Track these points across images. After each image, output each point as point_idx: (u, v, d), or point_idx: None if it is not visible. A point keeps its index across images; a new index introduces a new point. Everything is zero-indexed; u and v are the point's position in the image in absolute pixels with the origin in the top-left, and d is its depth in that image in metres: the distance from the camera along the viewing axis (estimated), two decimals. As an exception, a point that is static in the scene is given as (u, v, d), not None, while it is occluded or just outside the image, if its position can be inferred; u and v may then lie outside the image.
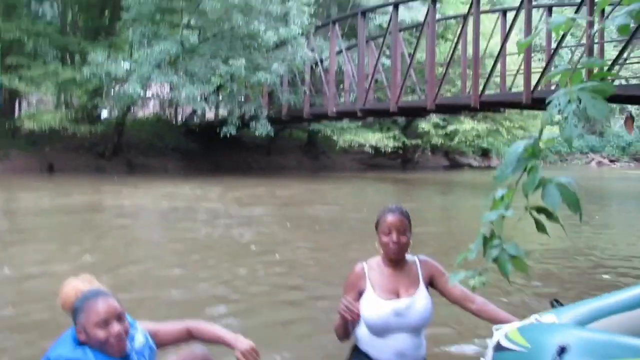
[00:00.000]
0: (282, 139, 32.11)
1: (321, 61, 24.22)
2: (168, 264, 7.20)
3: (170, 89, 24.05)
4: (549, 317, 2.44)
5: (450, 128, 32.49)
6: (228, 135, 22.68)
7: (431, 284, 2.94)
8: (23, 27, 22.58)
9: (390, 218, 2.84)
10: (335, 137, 29.64)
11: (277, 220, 11.67)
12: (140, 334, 2.35)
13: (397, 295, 2.84)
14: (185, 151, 27.03)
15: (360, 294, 2.87)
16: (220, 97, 25.87)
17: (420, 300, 2.85)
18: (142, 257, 7.75)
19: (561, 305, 2.70)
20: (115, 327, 2.14)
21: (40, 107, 29.33)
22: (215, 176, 22.15)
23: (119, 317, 2.18)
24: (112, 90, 24.12)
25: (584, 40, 19.93)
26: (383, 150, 31.54)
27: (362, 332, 2.88)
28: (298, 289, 5.97)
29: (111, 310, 2.16)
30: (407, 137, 33.50)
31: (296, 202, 15.22)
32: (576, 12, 14.38)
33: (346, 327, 2.90)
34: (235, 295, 5.68)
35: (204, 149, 26.88)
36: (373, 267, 2.92)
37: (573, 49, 21.59)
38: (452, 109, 22.96)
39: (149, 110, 32.74)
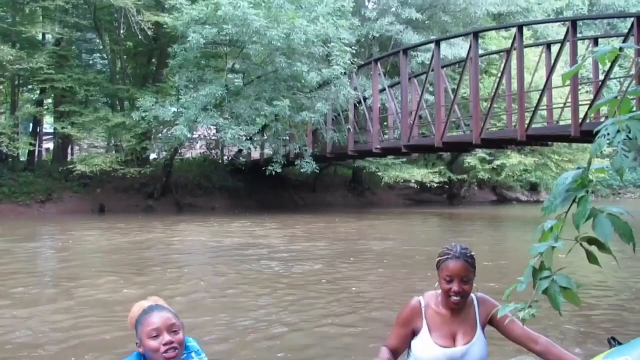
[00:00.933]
0: (327, 176, 32.25)
1: (364, 99, 24.39)
2: (230, 294, 7.34)
3: (216, 130, 24.51)
4: (622, 358, 2.33)
5: (497, 162, 32.04)
6: (273, 173, 22.91)
7: (490, 322, 2.78)
8: (75, 77, 23.64)
9: (452, 265, 2.64)
10: (380, 174, 29.55)
11: (337, 254, 11.62)
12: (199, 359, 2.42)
13: (453, 340, 2.72)
14: (231, 190, 27.37)
15: (414, 331, 2.76)
16: (265, 137, 26.24)
17: (476, 348, 2.73)
18: (208, 288, 7.91)
19: (619, 343, 2.57)
20: (166, 337, 2.23)
21: (91, 151, 30.27)
22: (261, 214, 22.29)
23: (172, 329, 2.26)
24: (160, 133, 24.76)
25: (632, 72, 19.56)
26: (428, 186, 31.28)
27: (412, 371, 2.80)
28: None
29: (163, 322, 2.25)
30: (452, 172, 33.19)
31: (352, 238, 15.20)
32: (624, 42, 14.15)
33: None
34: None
35: (250, 188, 27.17)
36: (430, 306, 2.77)
37: (621, 80, 21.11)
38: (498, 143, 22.69)
39: (196, 150, 33.39)
